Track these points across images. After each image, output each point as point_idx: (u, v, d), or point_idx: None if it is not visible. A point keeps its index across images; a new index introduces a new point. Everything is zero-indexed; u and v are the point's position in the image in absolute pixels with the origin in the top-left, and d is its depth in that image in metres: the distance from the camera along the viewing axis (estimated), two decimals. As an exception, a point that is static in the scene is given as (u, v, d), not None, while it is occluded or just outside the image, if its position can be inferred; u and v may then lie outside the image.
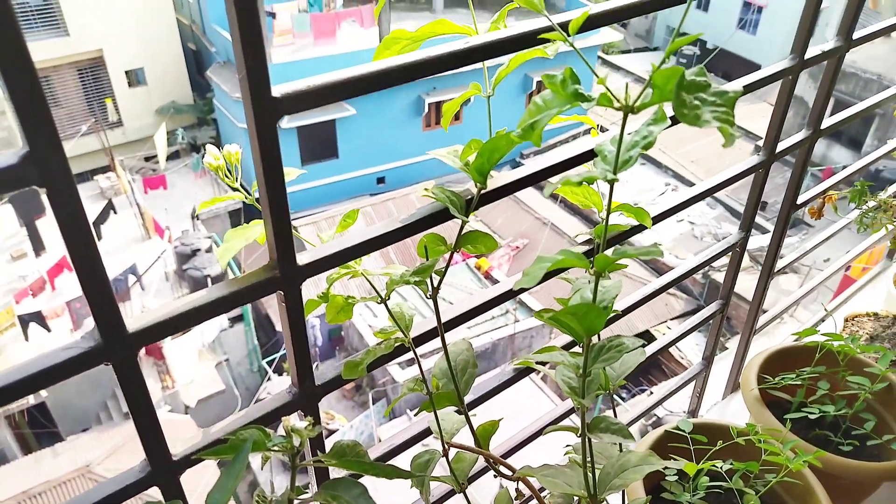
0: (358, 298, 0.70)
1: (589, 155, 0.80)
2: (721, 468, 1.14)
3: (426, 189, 0.69)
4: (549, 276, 0.91)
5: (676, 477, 1.17)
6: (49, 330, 10.82)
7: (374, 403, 10.96)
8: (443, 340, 0.75)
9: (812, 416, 1.25)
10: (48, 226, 13.22)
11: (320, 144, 15.29)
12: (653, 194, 14.31)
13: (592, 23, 0.62)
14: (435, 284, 0.73)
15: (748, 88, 0.98)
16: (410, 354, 0.80)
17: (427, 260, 0.70)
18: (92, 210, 13.88)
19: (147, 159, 17.11)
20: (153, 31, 16.79)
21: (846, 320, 1.58)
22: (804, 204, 1.33)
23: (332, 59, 14.99)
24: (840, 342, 1.28)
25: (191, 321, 0.56)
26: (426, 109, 15.98)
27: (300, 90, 0.53)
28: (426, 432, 0.83)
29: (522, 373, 0.92)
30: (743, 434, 1.15)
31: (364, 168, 15.93)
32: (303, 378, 0.67)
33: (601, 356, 0.59)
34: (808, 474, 1.15)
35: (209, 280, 12.67)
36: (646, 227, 0.98)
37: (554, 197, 13.42)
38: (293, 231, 0.59)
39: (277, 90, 0.52)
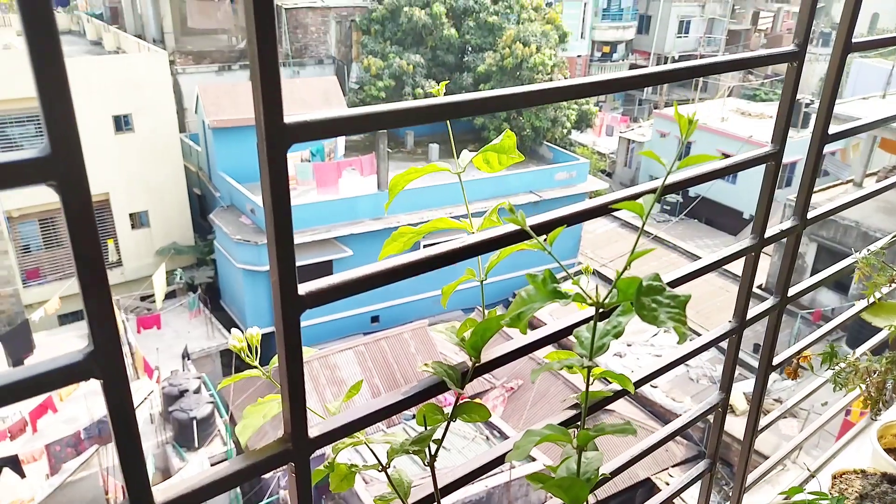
0: (361, 467, 0.75)
1: (568, 331, 0.89)
2: None
3: (425, 364, 0.76)
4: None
5: None
6: (23, 476, 10.36)
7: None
8: (439, 507, 0.80)
9: (807, 581, 1.25)
10: (37, 365, 13.04)
11: (316, 285, 15.51)
12: (646, 335, 14.40)
13: (568, 223, 0.74)
14: (432, 452, 0.78)
15: (714, 266, 1.09)
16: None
17: (426, 429, 0.76)
18: (83, 349, 13.75)
19: (143, 298, 17.24)
20: (160, 177, 17.58)
21: (834, 478, 1.60)
22: (780, 365, 1.40)
23: (333, 204, 15.63)
24: (826, 502, 1.30)
25: (212, 492, 0.61)
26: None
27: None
28: None
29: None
30: None
31: (358, 307, 16.09)
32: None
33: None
34: None
35: (195, 423, 12.33)
36: (628, 392, 1.05)
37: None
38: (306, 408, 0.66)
39: (303, 287, 0.62)
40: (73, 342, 14.77)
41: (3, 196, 15.00)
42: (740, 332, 1.23)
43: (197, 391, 13.03)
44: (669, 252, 17.12)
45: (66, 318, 16.15)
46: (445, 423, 0.79)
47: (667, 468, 11.28)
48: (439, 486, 0.83)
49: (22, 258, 16.38)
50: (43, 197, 16.00)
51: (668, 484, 10.64)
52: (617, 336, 0.61)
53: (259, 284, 15.64)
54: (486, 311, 0.82)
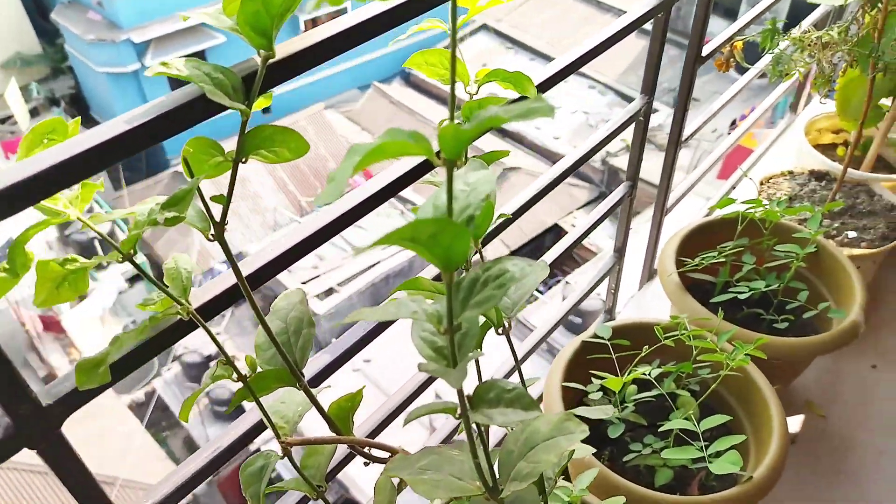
0: (82, 261, 0.43)
1: None
2: (650, 374, 0.98)
3: (164, 63, 0.42)
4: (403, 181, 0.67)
5: (601, 392, 1.01)
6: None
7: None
8: (251, 301, 0.51)
9: (742, 296, 1.11)
10: None
11: (193, 79, 14.19)
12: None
13: None
14: (217, 218, 0.47)
15: None
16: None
17: (190, 179, 0.44)
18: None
19: (2, 121, 15.37)
20: (-26, -28, 14.71)
21: (761, 183, 1.44)
22: (710, 55, 1.13)
23: (187, -17, 13.65)
24: (762, 208, 1.13)
25: None
26: (302, 28, 14.98)
27: None
28: (260, 427, 0.59)
29: (384, 325, 0.69)
30: (670, 331, 0.98)
31: (245, 99, 14.90)
32: (15, 399, 0.42)
33: (474, 296, 0.36)
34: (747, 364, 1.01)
35: (96, 242, 11.78)
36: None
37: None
38: None
39: None
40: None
41: None
42: (669, 7, 0.92)
43: (89, 210, 12.27)
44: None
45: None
46: (232, 165, 0.47)
47: (571, 212, 11.76)
48: (245, 272, 0.54)
49: None
50: None
51: (573, 226, 11.18)
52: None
53: (128, 87, 14.10)
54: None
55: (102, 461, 8.47)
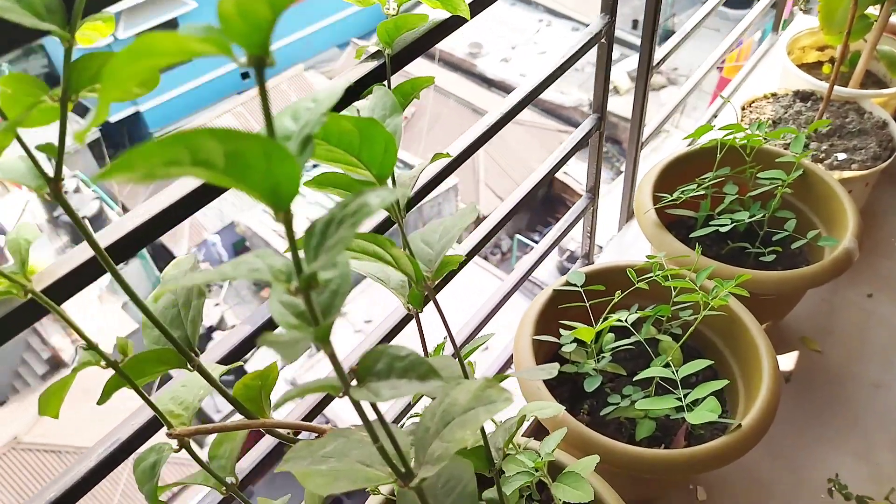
0: None
1: None
2: (626, 320, 0.90)
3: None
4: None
5: (575, 343, 0.93)
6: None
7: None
8: (116, 276, 0.42)
9: (724, 229, 1.03)
10: None
11: (167, 49, 13.85)
12: (527, 34, 13.76)
13: None
14: (52, 174, 0.38)
15: None
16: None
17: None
18: (-74, 176, 12.22)
19: (-23, 106, 15.02)
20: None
21: (743, 108, 1.34)
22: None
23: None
24: (743, 133, 1.03)
25: None
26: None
27: None
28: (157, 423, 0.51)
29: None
30: (645, 273, 0.90)
31: (222, 66, 14.56)
32: None
33: (327, 240, 0.27)
34: (731, 301, 0.93)
35: (86, 221, 11.66)
36: (463, 20, 0.65)
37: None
38: None
39: None
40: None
41: None
42: None
43: (77, 191, 12.15)
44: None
45: None
46: (60, 107, 0.38)
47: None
48: (103, 242, 0.45)
49: None
50: None
51: (566, 174, 11.00)
52: None
53: (102, 62, 13.69)
54: None
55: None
